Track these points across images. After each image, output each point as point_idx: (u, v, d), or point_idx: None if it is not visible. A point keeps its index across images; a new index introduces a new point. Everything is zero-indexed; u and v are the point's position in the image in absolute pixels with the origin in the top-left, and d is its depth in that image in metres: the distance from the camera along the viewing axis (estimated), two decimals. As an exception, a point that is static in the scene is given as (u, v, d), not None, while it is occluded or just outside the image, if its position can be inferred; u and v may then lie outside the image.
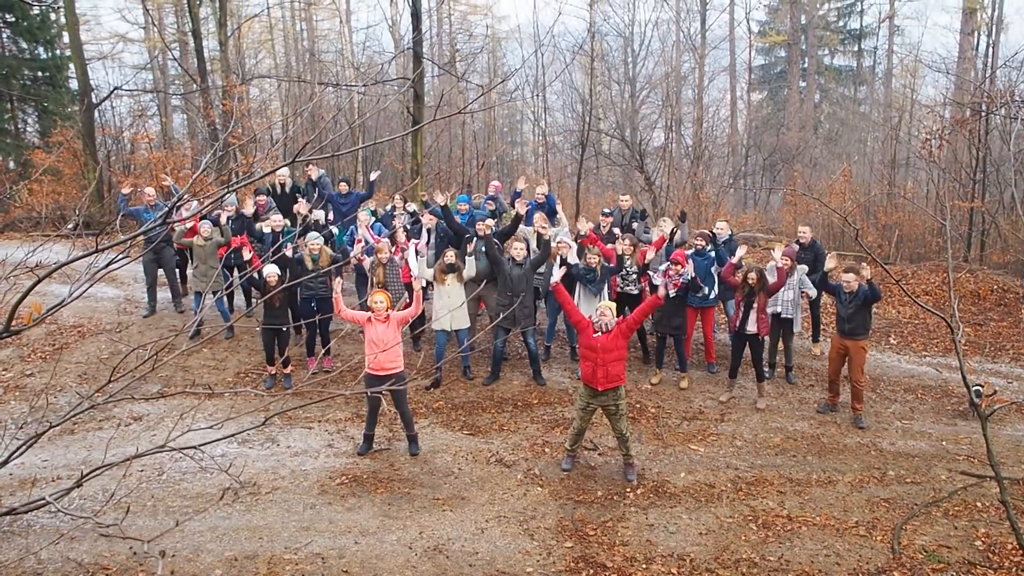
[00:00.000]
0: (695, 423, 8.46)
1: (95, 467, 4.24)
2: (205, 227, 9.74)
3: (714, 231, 9.83)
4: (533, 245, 9.61)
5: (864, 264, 8.45)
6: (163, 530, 5.69)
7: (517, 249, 8.94)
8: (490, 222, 9.43)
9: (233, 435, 6.01)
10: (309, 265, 9.04)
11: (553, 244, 9.33)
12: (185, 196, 6.52)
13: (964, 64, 22.20)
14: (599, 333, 6.88)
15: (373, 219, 10.64)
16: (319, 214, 10.38)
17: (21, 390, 8.89)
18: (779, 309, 9.22)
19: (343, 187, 11.45)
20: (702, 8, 26.89)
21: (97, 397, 4.54)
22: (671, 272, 8.81)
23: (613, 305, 7.13)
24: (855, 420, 8.53)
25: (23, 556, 5.67)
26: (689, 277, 8.82)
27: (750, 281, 8.49)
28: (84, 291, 3.94)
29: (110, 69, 25.98)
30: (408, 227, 10.34)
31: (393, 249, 9.52)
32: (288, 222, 10.10)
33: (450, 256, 9.03)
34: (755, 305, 8.54)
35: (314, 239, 9.17)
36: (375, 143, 5.78)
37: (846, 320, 8.40)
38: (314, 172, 11.64)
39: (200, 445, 4.03)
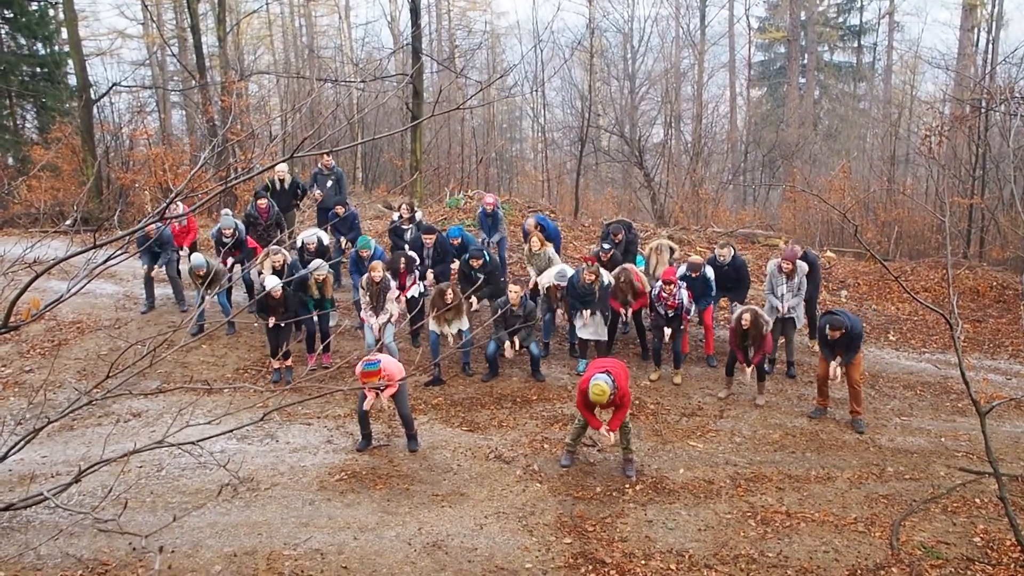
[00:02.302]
0: (694, 419, 8.46)
1: (93, 463, 4.24)
2: (199, 268, 9.30)
3: (716, 255, 9.73)
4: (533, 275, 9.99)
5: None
6: (162, 526, 5.69)
7: (514, 294, 8.87)
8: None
9: (232, 431, 6.02)
10: (315, 294, 9.03)
11: (543, 288, 9.49)
12: (181, 194, 6.47)
13: (964, 60, 22.21)
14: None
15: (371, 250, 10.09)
16: (319, 234, 10.19)
17: (20, 386, 8.88)
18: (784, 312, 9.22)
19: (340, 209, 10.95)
20: (702, 4, 26.89)
21: (95, 393, 4.53)
22: (664, 295, 8.83)
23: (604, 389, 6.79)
24: (855, 425, 8.30)
25: (22, 551, 5.67)
26: (683, 298, 8.83)
27: (744, 325, 8.33)
28: (82, 287, 3.94)
29: (109, 65, 25.97)
30: (413, 238, 10.31)
31: (398, 295, 9.33)
32: (322, 238, 10.12)
33: (449, 296, 8.88)
34: (751, 352, 8.53)
35: (318, 269, 9.08)
36: (374, 139, 5.75)
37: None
38: (328, 161, 11.61)
39: (199, 441, 4.04)
